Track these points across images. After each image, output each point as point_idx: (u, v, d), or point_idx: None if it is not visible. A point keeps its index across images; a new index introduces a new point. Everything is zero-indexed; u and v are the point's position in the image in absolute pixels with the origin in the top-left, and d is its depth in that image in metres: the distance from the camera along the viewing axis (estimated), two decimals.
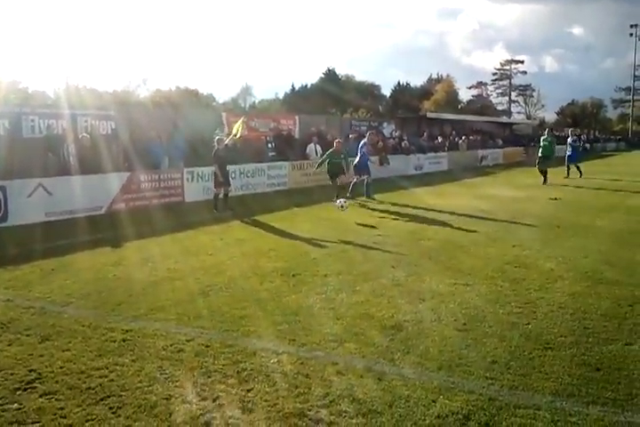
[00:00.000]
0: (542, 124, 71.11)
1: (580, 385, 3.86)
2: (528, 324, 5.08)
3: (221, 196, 12.88)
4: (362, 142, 15.99)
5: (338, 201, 11.98)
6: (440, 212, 12.46)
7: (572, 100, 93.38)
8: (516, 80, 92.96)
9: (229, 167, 13.64)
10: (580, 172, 21.28)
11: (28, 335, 4.89)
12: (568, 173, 21.40)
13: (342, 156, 14.57)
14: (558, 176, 20.39)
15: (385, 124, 29.08)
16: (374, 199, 15.04)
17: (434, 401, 3.62)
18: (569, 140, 22.27)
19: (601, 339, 4.71)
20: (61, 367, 4.21)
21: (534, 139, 32.20)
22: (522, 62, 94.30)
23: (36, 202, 11.47)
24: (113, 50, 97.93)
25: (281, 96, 76.85)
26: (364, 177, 15.45)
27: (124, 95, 50.69)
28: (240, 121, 13.55)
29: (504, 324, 5.08)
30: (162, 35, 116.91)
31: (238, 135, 13.41)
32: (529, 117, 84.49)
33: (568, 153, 21.84)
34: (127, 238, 9.42)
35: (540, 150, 19.91)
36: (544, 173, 19.24)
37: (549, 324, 5.07)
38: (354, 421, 3.40)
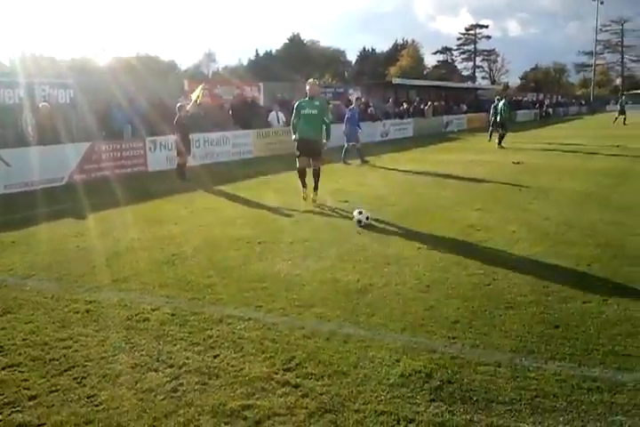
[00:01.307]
0: (506, 88, 71.54)
1: (539, 342, 3.97)
2: (489, 284, 5.19)
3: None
4: (351, 109, 16.41)
5: (357, 216, 7.70)
6: (406, 177, 12.55)
7: (536, 65, 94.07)
8: (481, 45, 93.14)
9: (192, 135, 13.43)
10: (500, 140, 20.13)
11: None
12: (490, 138, 21.84)
13: (316, 111, 9.35)
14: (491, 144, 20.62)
15: (351, 91, 28.87)
16: (368, 162, 15.82)
17: (397, 361, 3.70)
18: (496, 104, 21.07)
19: (560, 297, 4.83)
20: (24, 340, 4.16)
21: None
22: (486, 27, 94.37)
23: None
24: (70, 17, 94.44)
25: (245, 63, 75.55)
26: (353, 143, 15.96)
27: (82, 63, 49.08)
28: (200, 87, 13.28)
29: (466, 285, 5.18)
30: (122, 1, 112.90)
31: (198, 102, 13.16)
32: (493, 82, 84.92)
33: (492, 118, 21.68)
34: (89, 209, 9.26)
35: (500, 115, 20.25)
36: (501, 137, 20.10)
37: (510, 284, 5.19)
38: (319, 382, 3.45)
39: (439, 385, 3.39)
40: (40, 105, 13.27)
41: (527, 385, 3.38)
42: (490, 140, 21.62)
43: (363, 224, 7.57)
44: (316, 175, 9.46)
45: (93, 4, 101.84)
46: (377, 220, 7.92)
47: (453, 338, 4.06)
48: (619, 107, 36.31)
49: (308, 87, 9.50)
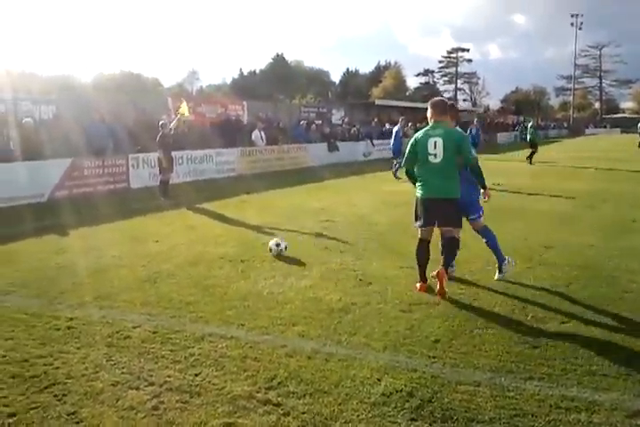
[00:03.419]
0: (487, 111, 72.68)
1: (518, 362, 4.03)
2: (470, 304, 5.25)
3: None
4: (397, 128, 17.70)
5: (274, 245, 7.17)
6: (388, 196, 12.65)
7: (516, 88, 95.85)
8: (462, 68, 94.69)
9: (175, 153, 13.45)
10: (531, 158, 22.17)
11: None
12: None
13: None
14: None
15: (334, 111, 29.16)
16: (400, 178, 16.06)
17: (379, 380, 3.73)
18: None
19: (539, 318, 4.91)
20: (4, 356, 4.12)
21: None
22: (467, 50, 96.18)
23: None
24: (54, 33, 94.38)
25: (228, 81, 75.95)
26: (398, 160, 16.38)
27: (66, 79, 49.01)
28: (184, 103, 13.26)
29: (447, 304, 5.24)
30: (105, 18, 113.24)
31: (185, 115, 13.15)
32: (474, 105, 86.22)
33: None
34: (70, 226, 9.20)
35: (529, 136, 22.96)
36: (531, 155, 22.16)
37: (490, 304, 5.26)
38: (301, 401, 3.46)
39: (420, 404, 3.43)
40: (23, 120, 13.23)
41: (506, 404, 3.43)
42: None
43: (277, 253, 7.08)
44: (452, 247, 5.89)
45: (77, 20, 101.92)
46: (360, 238, 7.98)
47: (434, 357, 4.10)
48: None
49: (429, 109, 5.72)
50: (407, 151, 5.74)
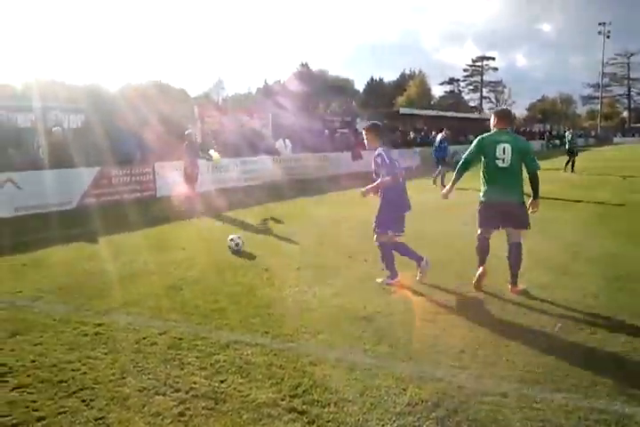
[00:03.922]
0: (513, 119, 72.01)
1: (545, 373, 3.97)
2: (496, 314, 5.20)
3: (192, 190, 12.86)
4: (440, 137, 18.08)
5: (231, 241, 7.89)
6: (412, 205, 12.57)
7: (542, 96, 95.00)
8: (488, 76, 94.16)
9: (200, 161, 13.59)
10: (572, 166, 22.50)
11: None
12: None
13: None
14: None
15: (358, 120, 29.21)
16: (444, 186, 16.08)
17: (404, 389, 3.70)
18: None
19: (566, 329, 4.84)
20: (33, 361, 4.20)
21: None
22: (493, 59, 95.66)
23: (5, 196, 11.32)
24: (83, 43, 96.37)
25: (254, 91, 76.56)
26: (442, 167, 17.17)
27: (94, 89, 49.84)
28: (213, 152, 13.30)
29: (472, 314, 5.19)
30: (134, 28, 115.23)
31: (218, 163, 13.34)
32: None
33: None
34: (98, 233, 9.36)
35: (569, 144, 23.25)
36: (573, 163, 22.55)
37: (516, 314, 5.20)
38: (325, 409, 3.46)
39: (446, 415, 3.40)
40: (53, 129, 13.50)
41: (533, 416, 3.39)
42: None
43: (235, 250, 7.77)
44: (517, 254, 5.93)
45: (106, 30, 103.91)
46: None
47: (460, 367, 4.07)
48: None
49: (494, 118, 6.06)
50: (469, 152, 6.03)
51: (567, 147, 23.73)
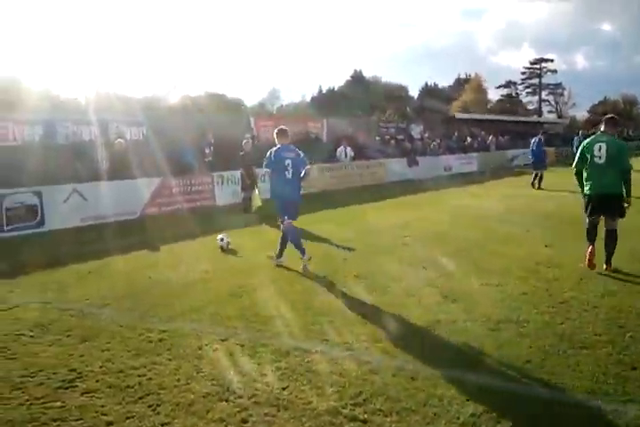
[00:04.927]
0: (574, 122, 70.06)
1: (615, 384, 3.83)
2: (562, 323, 5.04)
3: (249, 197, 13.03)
4: (536, 140, 18.32)
5: (219, 240, 8.87)
6: (469, 212, 12.39)
7: (605, 98, 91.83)
8: (546, 79, 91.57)
9: (258, 170, 13.75)
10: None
11: (67, 336, 5.03)
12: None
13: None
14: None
15: (413, 126, 29.00)
16: (534, 188, 17.48)
17: (468, 400, 3.63)
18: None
19: (636, 338, 4.65)
20: (101, 367, 4.33)
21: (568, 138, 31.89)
22: (551, 61, 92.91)
23: (72, 207, 11.75)
24: (142, 56, 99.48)
25: (308, 99, 77.09)
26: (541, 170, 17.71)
27: (154, 101, 51.33)
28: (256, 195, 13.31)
29: (537, 323, 5.05)
30: (190, 40, 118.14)
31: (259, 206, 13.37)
32: (560, 116, 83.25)
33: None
34: (161, 242, 9.60)
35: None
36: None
37: (583, 323, 5.03)
38: (388, 419, 3.43)
39: (512, 426, 3.31)
40: (116, 141, 13.96)
41: None
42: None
43: (224, 249, 8.71)
44: (612, 239, 6.82)
45: (164, 43, 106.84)
46: (442, 254, 7.85)
47: (526, 378, 3.96)
48: None
49: (603, 122, 7.07)
50: (577, 156, 7.02)
51: None
